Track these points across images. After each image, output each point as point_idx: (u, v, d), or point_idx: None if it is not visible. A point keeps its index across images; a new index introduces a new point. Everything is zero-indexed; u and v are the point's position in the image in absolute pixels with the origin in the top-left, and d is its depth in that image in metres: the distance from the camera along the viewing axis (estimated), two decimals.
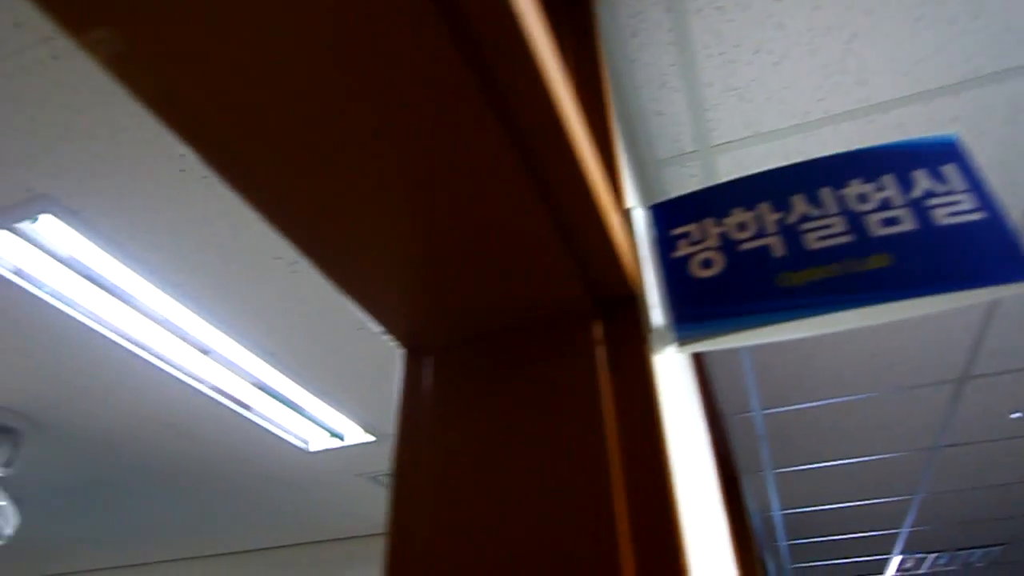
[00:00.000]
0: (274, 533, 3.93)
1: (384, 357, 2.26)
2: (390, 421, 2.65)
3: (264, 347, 2.17)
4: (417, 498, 0.68)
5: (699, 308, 0.72)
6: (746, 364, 2.36)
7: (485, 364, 0.72)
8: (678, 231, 0.79)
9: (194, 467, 3.02)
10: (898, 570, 5.34)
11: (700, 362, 2.25)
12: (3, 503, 2.27)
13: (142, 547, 4.16)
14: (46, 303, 1.92)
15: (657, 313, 0.73)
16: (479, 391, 0.71)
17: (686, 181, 1.60)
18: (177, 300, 1.92)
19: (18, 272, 1.81)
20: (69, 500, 3.35)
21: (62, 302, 1.92)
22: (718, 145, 1.53)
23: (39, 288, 1.86)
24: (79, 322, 2.00)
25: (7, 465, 2.31)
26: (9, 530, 2.35)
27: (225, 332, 2.06)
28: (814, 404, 2.65)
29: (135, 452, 2.85)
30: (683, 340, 0.70)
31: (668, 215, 0.81)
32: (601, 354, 0.69)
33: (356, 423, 2.62)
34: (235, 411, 2.53)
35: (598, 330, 0.71)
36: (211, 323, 2.02)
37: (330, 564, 3.93)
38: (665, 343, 0.71)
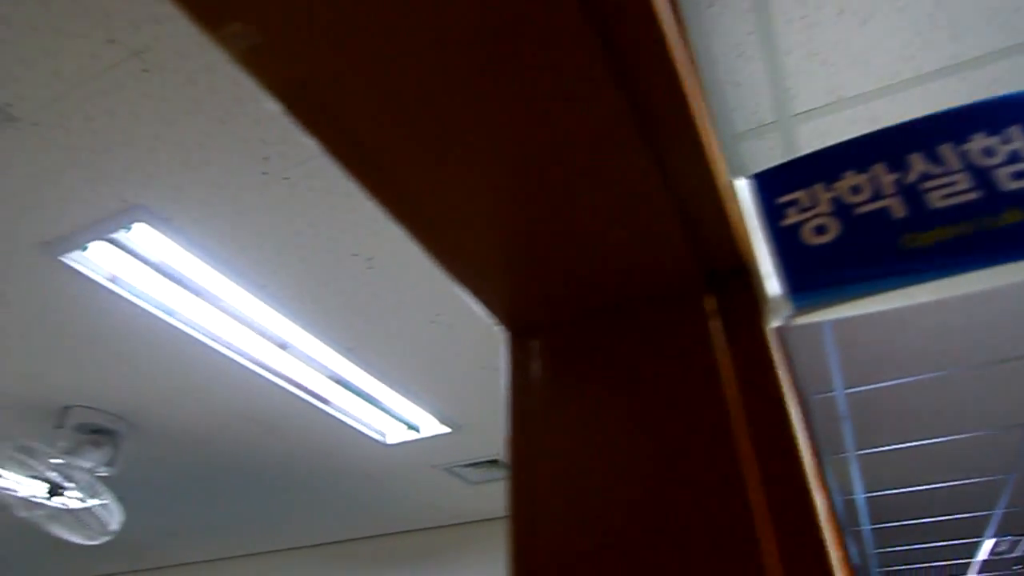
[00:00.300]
0: (354, 525, 4.04)
1: (459, 349, 2.28)
2: (465, 412, 2.68)
3: (342, 342, 2.22)
4: (536, 485, 0.67)
5: (817, 276, 0.69)
6: (828, 342, 2.28)
7: (596, 343, 0.72)
8: (785, 199, 0.76)
9: (278, 462, 3.13)
10: (990, 553, 5.08)
11: (781, 342, 2.19)
12: (108, 500, 2.40)
13: (231, 540, 4.34)
14: (140, 309, 2.02)
15: (771, 284, 0.71)
16: (591, 371, 0.71)
17: (765, 154, 1.55)
18: (261, 300, 1.98)
19: (114, 280, 1.91)
20: (165, 497, 3.53)
21: (155, 307, 2.01)
22: (799, 114, 1.48)
23: (134, 295, 1.96)
24: (171, 326, 2.10)
25: (110, 464, 2.44)
26: (114, 526, 2.49)
27: (306, 329, 2.12)
28: (900, 381, 2.55)
29: (224, 449, 2.97)
30: (802, 310, 0.68)
31: (772, 183, 0.78)
32: (716, 328, 0.68)
33: (432, 415, 2.67)
34: (315, 406, 2.61)
35: (712, 303, 0.69)
36: (293, 320, 2.08)
37: (408, 555, 4.02)
38: (782, 314, 0.69)
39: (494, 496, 3.58)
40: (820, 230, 0.72)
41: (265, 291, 1.95)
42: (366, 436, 2.87)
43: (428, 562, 3.92)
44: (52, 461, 2.20)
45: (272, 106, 0.54)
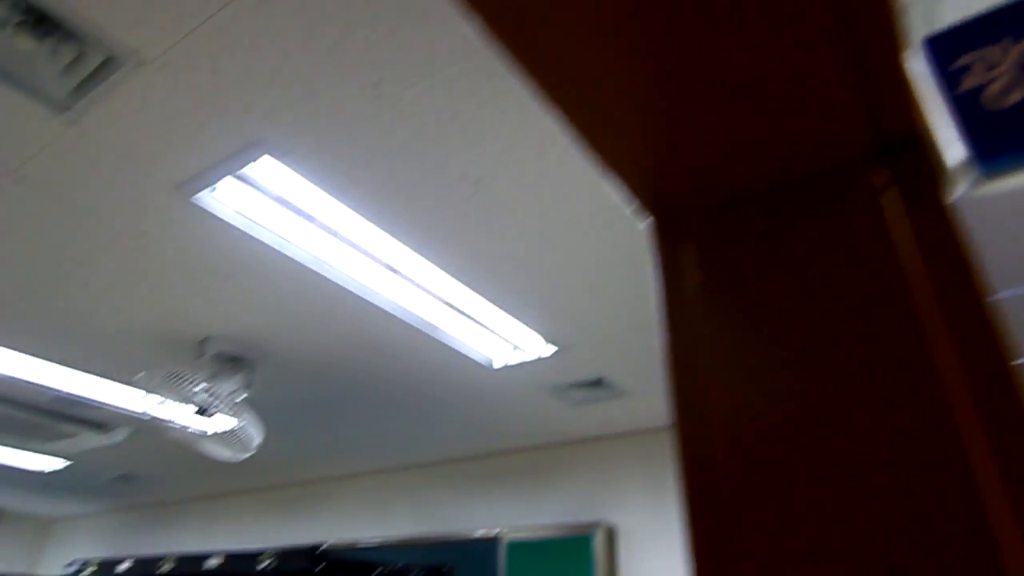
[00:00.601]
0: (463, 445, 4.25)
1: (565, 268, 2.30)
2: (570, 333, 2.72)
3: (452, 264, 2.28)
4: (699, 388, 0.65)
5: (1003, 140, 0.64)
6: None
7: (754, 228, 0.70)
8: (961, 62, 0.70)
9: (392, 387, 3.31)
10: None
11: None
12: (249, 420, 2.63)
13: (351, 459, 4.68)
14: (266, 244, 2.14)
15: (950, 153, 0.66)
16: (750, 260, 0.69)
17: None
18: (377, 225, 2.06)
19: (242, 216, 2.03)
20: (292, 420, 3.83)
21: (279, 241, 2.13)
22: None
23: (260, 230, 2.08)
24: (292, 259, 2.22)
25: (247, 388, 2.67)
26: (256, 443, 2.74)
27: (418, 252, 2.19)
28: None
29: (343, 375, 3.17)
30: (991, 175, 0.63)
31: (945, 47, 0.72)
32: (891, 203, 0.64)
33: (539, 333, 2.72)
34: (426, 334, 2.72)
35: (883, 178, 0.66)
36: (406, 244, 2.16)
37: (516, 472, 4.20)
38: (966, 183, 0.65)
39: (596, 417, 3.66)
40: (1005, 91, 0.66)
41: (381, 217, 2.02)
42: (473, 361, 2.98)
43: (535, 479, 4.09)
44: (199, 387, 2.42)
45: None
